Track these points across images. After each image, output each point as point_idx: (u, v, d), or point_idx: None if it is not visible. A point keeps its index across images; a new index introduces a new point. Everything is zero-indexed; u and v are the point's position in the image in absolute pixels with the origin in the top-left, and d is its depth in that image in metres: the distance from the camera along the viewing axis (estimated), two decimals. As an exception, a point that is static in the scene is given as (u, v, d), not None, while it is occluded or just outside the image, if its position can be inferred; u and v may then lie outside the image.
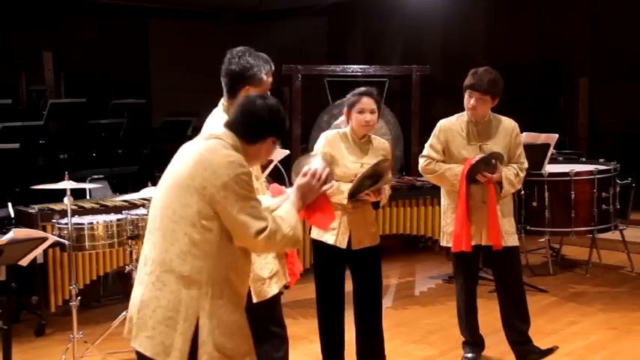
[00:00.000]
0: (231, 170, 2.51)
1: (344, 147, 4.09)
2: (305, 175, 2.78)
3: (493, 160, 4.22)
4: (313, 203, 2.83)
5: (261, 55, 3.29)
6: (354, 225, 4.06)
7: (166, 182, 2.64)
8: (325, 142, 4.11)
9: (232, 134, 2.64)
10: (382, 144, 4.22)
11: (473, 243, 4.28)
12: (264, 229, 2.51)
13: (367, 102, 4.05)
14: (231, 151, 2.58)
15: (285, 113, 2.78)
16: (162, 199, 2.62)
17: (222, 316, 2.55)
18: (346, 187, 3.94)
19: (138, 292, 2.62)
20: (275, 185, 3.34)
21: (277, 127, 2.70)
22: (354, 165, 4.05)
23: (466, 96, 4.31)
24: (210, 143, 2.61)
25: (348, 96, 4.14)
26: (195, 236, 2.52)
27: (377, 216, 5.91)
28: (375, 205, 4.10)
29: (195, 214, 2.51)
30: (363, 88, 4.14)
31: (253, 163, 2.78)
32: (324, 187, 2.82)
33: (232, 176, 2.50)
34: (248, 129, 2.65)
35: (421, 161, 4.44)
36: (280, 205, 2.72)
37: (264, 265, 3.21)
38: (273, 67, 3.31)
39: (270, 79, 3.31)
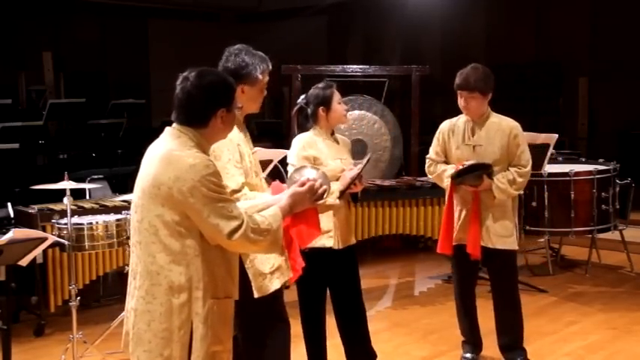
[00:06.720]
0: (195, 174, 2.43)
1: (323, 146, 4.00)
2: (303, 185, 2.78)
3: (477, 172, 4.16)
4: (301, 214, 2.84)
5: (258, 54, 3.25)
6: (342, 224, 4.05)
7: (137, 193, 2.59)
8: (305, 144, 3.97)
9: (186, 127, 2.56)
10: (345, 139, 4.28)
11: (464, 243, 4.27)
12: (237, 228, 2.46)
13: (338, 93, 4.08)
14: (193, 151, 2.50)
15: (216, 74, 2.60)
16: (136, 212, 2.59)
17: (214, 316, 2.55)
18: (334, 187, 3.82)
19: (130, 306, 2.61)
20: (277, 183, 3.28)
21: (215, 97, 2.56)
22: (335, 162, 3.99)
23: (458, 97, 4.30)
24: (171, 146, 2.53)
25: (315, 93, 4.04)
26: (175, 244, 2.49)
27: (376, 216, 6.01)
28: (354, 198, 4.12)
29: (169, 223, 2.48)
30: (326, 82, 4.14)
31: (220, 138, 2.68)
32: (317, 202, 2.83)
33: (198, 179, 2.43)
34: (190, 115, 2.55)
35: (426, 163, 4.52)
36: (269, 206, 2.71)
37: (266, 259, 3.18)
38: (270, 66, 3.25)
39: (267, 79, 3.26)
